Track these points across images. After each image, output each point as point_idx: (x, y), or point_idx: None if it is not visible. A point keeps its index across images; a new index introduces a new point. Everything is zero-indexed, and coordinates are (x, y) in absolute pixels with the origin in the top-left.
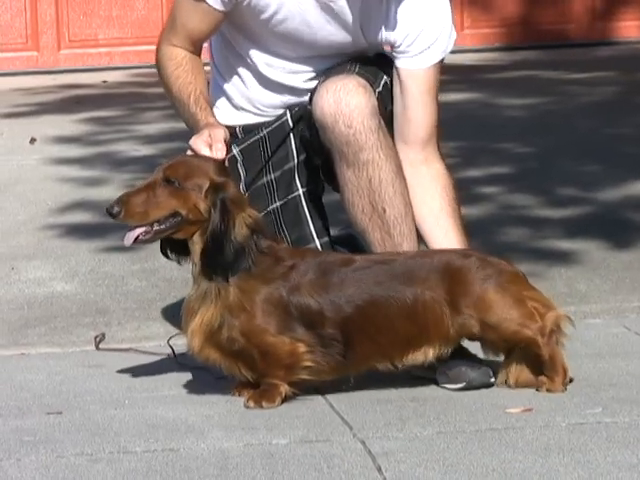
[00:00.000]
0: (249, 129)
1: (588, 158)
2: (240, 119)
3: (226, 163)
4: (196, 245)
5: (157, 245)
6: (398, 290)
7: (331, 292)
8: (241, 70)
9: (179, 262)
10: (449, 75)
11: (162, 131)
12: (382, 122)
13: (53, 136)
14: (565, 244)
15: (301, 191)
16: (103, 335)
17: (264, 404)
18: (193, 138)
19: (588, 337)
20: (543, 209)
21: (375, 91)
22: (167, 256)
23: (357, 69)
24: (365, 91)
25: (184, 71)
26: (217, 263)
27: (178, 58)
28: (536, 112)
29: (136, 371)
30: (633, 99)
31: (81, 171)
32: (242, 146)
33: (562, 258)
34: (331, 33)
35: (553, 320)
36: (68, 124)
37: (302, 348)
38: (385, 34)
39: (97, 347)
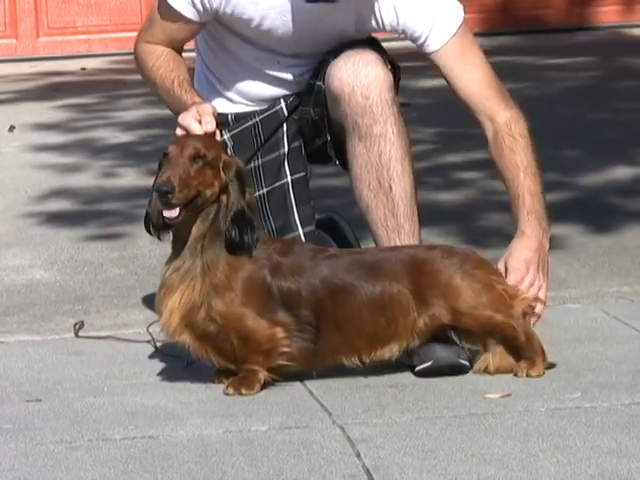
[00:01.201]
0: (241, 116)
1: (568, 143)
2: (232, 109)
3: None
4: (199, 221)
5: (135, 232)
6: (367, 281)
7: (307, 273)
8: (231, 63)
9: (160, 238)
10: (428, 61)
11: (141, 118)
12: (396, 98)
13: (32, 123)
14: None
15: (289, 179)
16: (82, 323)
17: (243, 391)
18: (181, 115)
19: (567, 322)
20: None
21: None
22: (149, 231)
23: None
24: (384, 65)
25: (165, 61)
26: (244, 240)
27: (157, 52)
28: (515, 97)
29: (115, 358)
30: (613, 84)
31: (60, 158)
32: (233, 132)
33: None
34: (324, 32)
35: (523, 302)
36: (47, 111)
37: (280, 333)
38: (385, 26)
39: (76, 335)
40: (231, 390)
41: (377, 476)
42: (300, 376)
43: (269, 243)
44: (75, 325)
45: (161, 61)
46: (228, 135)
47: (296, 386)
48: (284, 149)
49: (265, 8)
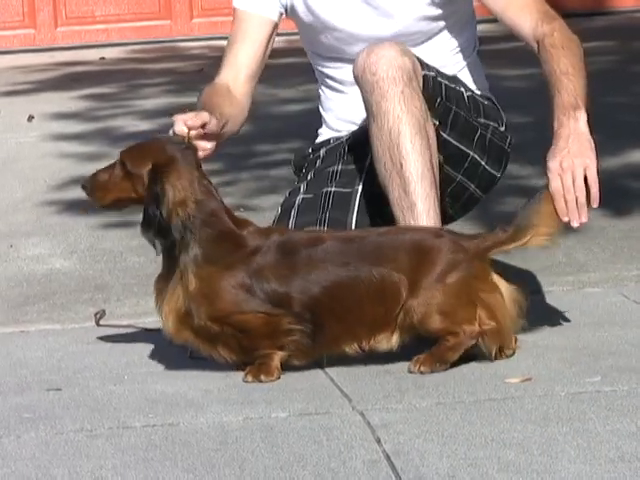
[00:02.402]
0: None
1: None
2: (333, 134)
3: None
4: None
5: None
6: (365, 270)
7: (297, 273)
8: (326, 90)
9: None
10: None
11: (160, 106)
12: (414, 84)
13: (51, 113)
14: None
15: (360, 187)
16: (103, 312)
17: (262, 378)
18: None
19: (587, 306)
20: (541, 179)
21: (421, 66)
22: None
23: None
24: (401, 51)
25: (208, 91)
26: (145, 235)
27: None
28: (533, 82)
29: (135, 347)
30: (630, 68)
31: (79, 147)
32: (328, 147)
33: (560, 227)
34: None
35: (484, 332)
36: (66, 101)
37: (275, 316)
38: None
39: (97, 324)
40: (250, 377)
41: (397, 461)
42: (320, 363)
43: (253, 240)
44: (96, 314)
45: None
46: (324, 150)
47: (316, 373)
48: (367, 161)
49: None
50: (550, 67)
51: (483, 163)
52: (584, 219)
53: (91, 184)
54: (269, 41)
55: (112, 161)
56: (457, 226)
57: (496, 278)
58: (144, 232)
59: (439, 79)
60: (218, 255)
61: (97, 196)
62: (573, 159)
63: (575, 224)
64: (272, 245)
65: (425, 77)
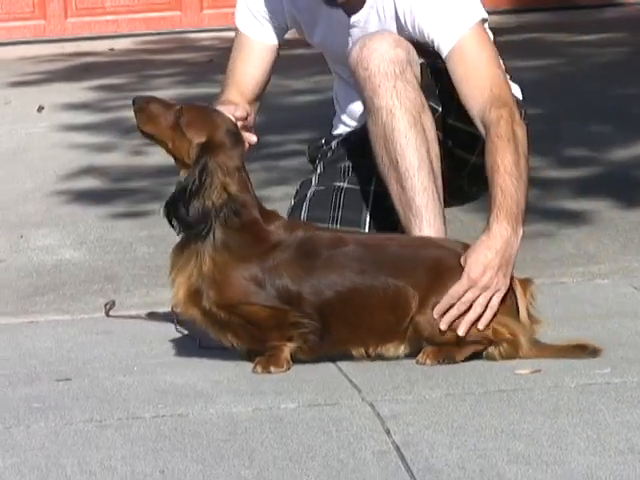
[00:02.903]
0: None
1: (596, 119)
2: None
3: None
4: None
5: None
6: (382, 281)
7: (312, 275)
8: (339, 89)
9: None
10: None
11: (170, 97)
12: (407, 76)
13: (61, 104)
14: (574, 205)
15: (374, 187)
16: (113, 302)
17: (272, 369)
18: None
19: (597, 298)
20: (552, 170)
21: (419, 54)
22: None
23: None
24: (394, 42)
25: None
26: (175, 215)
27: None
28: (544, 74)
29: (145, 337)
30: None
31: (89, 138)
32: (341, 138)
33: (571, 219)
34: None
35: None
36: (76, 92)
37: (283, 309)
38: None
39: (107, 314)
40: (260, 369)
41: (407, 452)
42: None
43: (276, 234)
44: (106, 305)
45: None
46: (335, 142)
47: (325, 363)
48: None
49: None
50: (493, 161)
51: None
52: (460, 332)
53: (141, 105)
54: (272, 63)
55: (172, 101)
56: (466, 217)
57: (514, 292)
58: (171, 205)
59: (439, 65)
60: (237, 245)
61: (140, 118)
62: (493, 283)
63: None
64: (293, 242)
65: (422, 66)
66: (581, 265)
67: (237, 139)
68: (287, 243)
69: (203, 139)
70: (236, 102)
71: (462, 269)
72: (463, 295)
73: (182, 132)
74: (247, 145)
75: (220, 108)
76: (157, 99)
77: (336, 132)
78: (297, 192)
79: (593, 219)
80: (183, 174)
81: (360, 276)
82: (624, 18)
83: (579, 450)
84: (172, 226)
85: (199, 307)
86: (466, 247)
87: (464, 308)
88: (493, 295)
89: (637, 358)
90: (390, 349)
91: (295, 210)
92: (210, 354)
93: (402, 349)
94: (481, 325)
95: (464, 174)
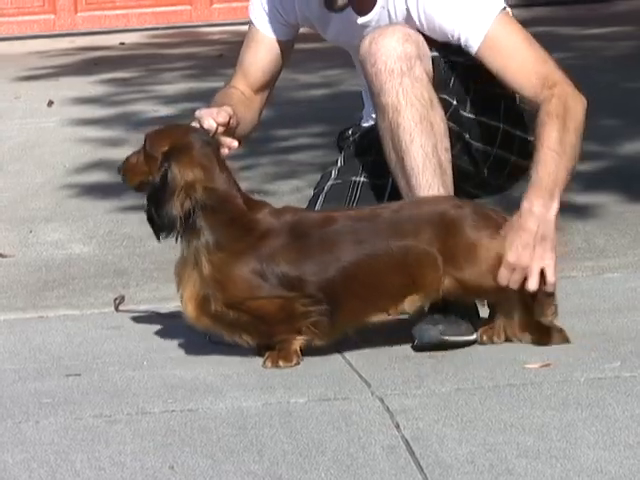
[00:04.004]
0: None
1: (605, 112)
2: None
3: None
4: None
5: None
6: (382, 246)
7: (309, 256)
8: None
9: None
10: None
11: (181, 91)
12: (416, 72)
13: (71, 98)
14: (583, 199)
15: (390, 183)
16: (122, 297)
17: (281, 363)
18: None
19: (606, 292)
20: None
21: (431, 47)
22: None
23: None
24: (403, 37)
25: (222, 93)
26: (151, 222)
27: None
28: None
29: (154, 332)
30: None
31: (100, 132)
32: (360, 132)
33: (580, 213)
34: None
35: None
36: (86, 86)
37: (290, 299)
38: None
39: (116, 309)
40: (269, 363)
41: (416, 447)
42: (339, 348)
43: (265, 222)
44: (115, 300)
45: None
46: (358, 135)
47: (335, 358)
48: None
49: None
50: (537, 139)
51: (518, 133)
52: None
53: (123, 166)
54: (282, 56)
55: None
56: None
57: None
58: (148, 214)
59: (452, 58)
60: (229, 240)
61: (127, 178)
62: (534, 262)
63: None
64: (283, 227)
65: (434, 59)
66: (591, 259)
67: (207, 142)
68: (277, 229)
69: (165, 148)
70: (223, 105)
71: (465, 215)
72: (510, 281)
73: (150, 155)
74: (226, 150)
75: (202, 111)
76: (132, 153)
77: (363, 124)
78: (317, 184)
79: (602, 213)
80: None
81: (358, 246)
82: (635, 11)
83: (588, 444)
84: (155, 233)
85: (209, 315)
86: (463, 205)
87: (517, 279)
88: (544, 271)
89: None
90: (408, 305)
91: (312, 202)
92: (219, 349)
93: (420, 304)
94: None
95: (486, 167)
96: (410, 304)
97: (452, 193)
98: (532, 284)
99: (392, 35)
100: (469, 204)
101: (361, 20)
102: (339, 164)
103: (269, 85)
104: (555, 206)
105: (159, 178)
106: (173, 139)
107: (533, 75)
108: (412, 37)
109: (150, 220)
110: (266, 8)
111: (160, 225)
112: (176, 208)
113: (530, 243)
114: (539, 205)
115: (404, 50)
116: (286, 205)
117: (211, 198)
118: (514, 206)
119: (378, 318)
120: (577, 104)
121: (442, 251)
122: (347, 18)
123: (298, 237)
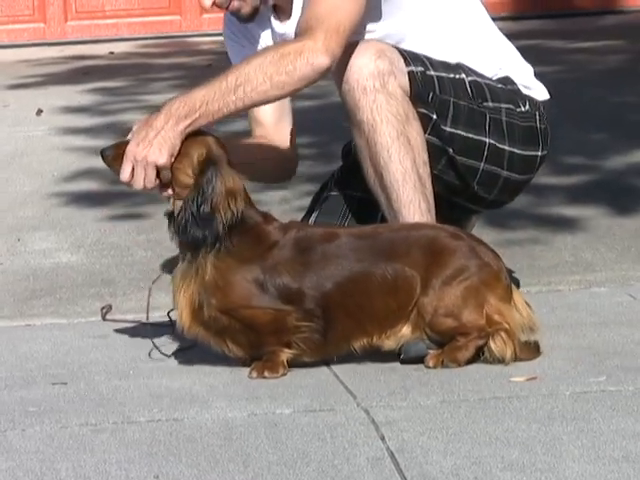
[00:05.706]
0: None
1: (594, 126)
2: None
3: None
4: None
5: (162, 215)
6: (379, 267)
7: (311, 269)
8: None
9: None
10: None
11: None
12: (389, 88)
13: (60, 107)
14: (570, 212)
15: None
16: (110, 307)
17: (267, 374)
18: None
19: (593, 306)
20: (549, 177)
21: (408, 62)
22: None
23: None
24: (377, 53)
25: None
26: (184, 231)
27: None
28: (542, 81)
29: (141, 342)
30: (639, 67)
31: (88, 141)
32: None
33: (567, 226)
34: None
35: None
36: (75, 95)
37: (284, 313)
38: None
39: (104, 318)
40: (255, 374)
41: (401, 459)
42: (326, 360)
43: (273, 235)
44: (102, 309)
45: None
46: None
47: (321, 369)
48: None
49: None
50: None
51: (506, 147)
52: None
53: (112, 154)
54: None
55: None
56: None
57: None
58: (179, 223)
59: (429, 72)
60: (239, 247)
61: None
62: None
63: None
64: (289, 241)
65: (411, 73)
66: (578, 273)
67: (224, 147)
68: (283, 242)
69: (203, 153)
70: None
71: (458, 246)
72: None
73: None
74: None
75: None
76: (124, 142)
77: None
78: (315, 194)
79: (590, 227)
80: (173, 204)
81: (358, 264)
82: (624, 25)
83: (573, 458)
84: (184, 244)
85: (202, 323)
86: (458, 230)
87: None
88: None
89: (633, 366)
90: (391, 337)
91: (307, 213)
92: (206, 359)
93: (405, 335)
94: None
95: (475, 182)
96: (391, 336)
97: (433, 206)
98: None
99: (365, 52)
100: (467, 238)
101: (281, 29)
102: (336, 175)
103: (281, 110)
104: (185, 123)
105: (201, 186)
106: (206, 143)
107: (312, 17)
108: (386, 53)
109: (185, 227)
110: (230, 36)
111: (195, 230)
112: (221, 213)
113: (149, 139)
114: (175, 110)
115: (376, 66)
116: (292, 220)
117: (241, 207)
118: (510, 217)
119: (362, 346)
120: (305, 65)
121: (423, 277)
122: (272, 29)
123: (302, 251)
